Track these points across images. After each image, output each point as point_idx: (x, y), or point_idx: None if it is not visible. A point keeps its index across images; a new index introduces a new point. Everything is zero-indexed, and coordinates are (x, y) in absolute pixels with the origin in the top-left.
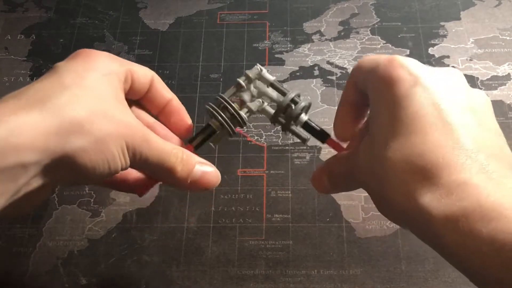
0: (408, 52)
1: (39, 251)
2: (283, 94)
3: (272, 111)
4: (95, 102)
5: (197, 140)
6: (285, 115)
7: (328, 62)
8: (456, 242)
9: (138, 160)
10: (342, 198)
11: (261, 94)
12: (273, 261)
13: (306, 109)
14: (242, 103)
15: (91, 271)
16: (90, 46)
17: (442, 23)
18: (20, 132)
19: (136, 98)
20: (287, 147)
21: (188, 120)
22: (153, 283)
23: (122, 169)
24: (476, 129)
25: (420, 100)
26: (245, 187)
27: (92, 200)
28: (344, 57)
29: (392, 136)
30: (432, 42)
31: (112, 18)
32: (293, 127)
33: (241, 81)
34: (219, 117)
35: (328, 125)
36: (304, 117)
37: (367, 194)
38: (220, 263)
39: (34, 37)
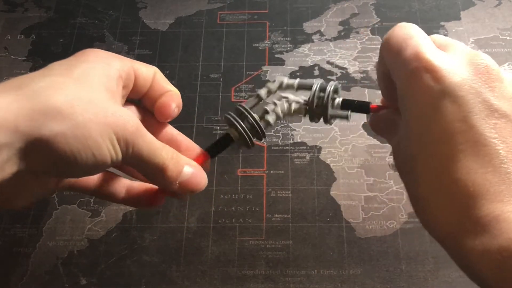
0: None
1: (39, 251)
2: (309, 87)
3: (302, 107)
4: (79, 89)
5: (213, 149)
6: (321, 107)
7: (328, 62)
8: (493, 277)
9: (131, 154)
10: (342, 198)
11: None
12: (273, 261)
13: (337, 90)
14: (264, 114)
15: (91, 271)
16: (90, 46)
17: (442, 23)
18: None
19: (139, 96)
20: (287, 147)
21: (174, 101)
22: (153, 283)
23: (113, 162)
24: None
25: (448, 116)
26: (245, 187)
27: (92, 200)
28: (344, 57)
29: (424, 148)
30: None
31: (112, 18)
32: (332, 113)
33: (262, 93)
34: (239, 127)
35: (327, 125)
36: (339, 99)
37: (367, 194)
38: (220, 263)
39: (34, 37)
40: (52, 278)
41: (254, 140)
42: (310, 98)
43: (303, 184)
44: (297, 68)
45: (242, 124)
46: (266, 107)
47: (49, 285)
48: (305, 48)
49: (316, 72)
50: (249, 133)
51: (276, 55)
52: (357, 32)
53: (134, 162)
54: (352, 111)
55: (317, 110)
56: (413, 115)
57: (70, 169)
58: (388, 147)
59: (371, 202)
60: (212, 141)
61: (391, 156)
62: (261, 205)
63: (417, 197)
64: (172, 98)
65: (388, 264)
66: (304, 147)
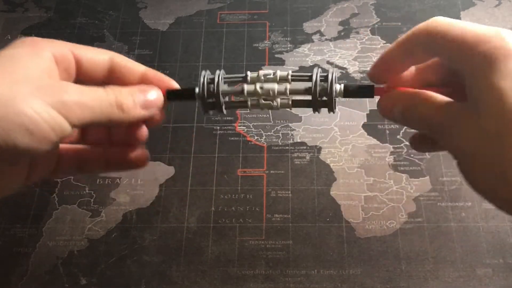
0: None
1: (39, 251)
2: (306, 78)
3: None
4: None
5: (173, 92)
6: (326, 96)
7: (328, 62)
8: None
9: (77, 114)
10: (342, 198)
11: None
12: (273, 261)
13: (336, 78)
14: (240, 94)
15: (91, 271)
16: (90, 46)
17: None
18: None
19: (98, 81)
20: (287, 147)
21: (168, 80)
22: (153, 283)
23: (58, 130)
24: None
25: None
26: (245, 187)
27: (92, 200)
28: (344, 57)
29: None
30: None
31: (112, 18)
32: (335, 100)
33: (249, 74)
34: (199, 89)
35: (328, 125)
36: (340, 86)
37: (367, 194)
38: (220, 263)
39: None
40: (52, 278)
41: (213, 111)
42: (313, 89)
43: (303, 184)
44: (297, 68)
45: (204, 88)
46: (244, 87)
47: (49, 285)
48: (305, 48)
49: None
50: (206, 100)
51: (276, 55)
52: (357, 32)
53: (86, 119)
54: (356, 97)
55: (321, 99)
56: (497, 109)
57: (12, 153)
58: (388, 147)
59: (371, 202)
60: (212, 141)
61: (391, 156)
62: (261, 205)
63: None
64: (164, 77)
65: (388, 264)
66: (304, 147)
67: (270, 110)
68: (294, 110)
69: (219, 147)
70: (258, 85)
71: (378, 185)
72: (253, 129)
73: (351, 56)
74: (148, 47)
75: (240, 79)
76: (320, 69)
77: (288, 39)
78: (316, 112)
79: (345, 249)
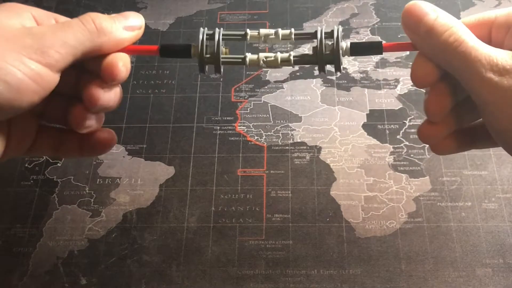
0: (408, 52)
1: (39, 251)
2: (309, 36)
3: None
4: None
5: (167, 47)
6: (332, 52)
7: None
8: None
9: (58, 57)
10: (342, 198)
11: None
12: (273, 261)
13: (342, 35)
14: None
15: (91, 271)
16: None
17: None
18: None
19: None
20: (287, 147)
21: (121, 60)
22: (153, 283)
23: (47, 79)
24: None
25: None
26: (245, 187)
27: (92, 200)
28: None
29: None
30: None
31: None
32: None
33: (249, 32)
34: (200, 48)
35: (328, 125)
36: (346, 44)
37: (367, 194)
38: (220, 263)
39: None
40: (52, 278)
41: (209, 69)
42: (318, 45)
43: (303, 184)
44: (297, 68)
45: (204, 49)
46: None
47: (49, 285)
48: (305, 48)
49: (316, 72)
50: (205, 60)
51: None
52: (357, 32)
53: (69, 58)
54: (364, 54)
55: (327, 57)
56: None
57: None
58: (388, 147)
59: (371, 202)
60: (212, 141)
61: (391, 156)
62: (261, 205)
63: None
64: (119, 57)
65: (388, 264)
66: (304, 147)
67: (270, 110)
68: (294, 110)
69: (219, 147)
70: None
71: (378, 185)
72: (253, 129)
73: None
74: None
75: (239, 37)
76: (324, 27)
77: None
78: (322, 72)
79: (345, 249)
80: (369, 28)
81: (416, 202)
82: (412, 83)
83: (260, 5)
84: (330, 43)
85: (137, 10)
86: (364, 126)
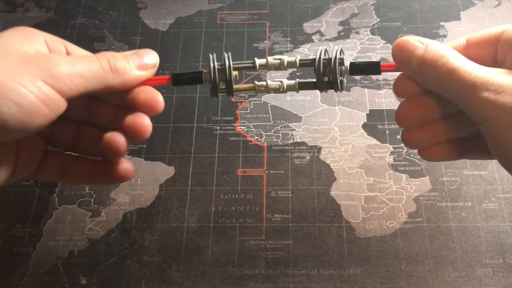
0: None
1: (39, 251)
2: (312, 61)
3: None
4: None
5: (178, 76)
6: (331, 73)
7: None
8: None
9: (71, 85)
10: (342, 198)
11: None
12: (273, 261)
13: (342, 52)
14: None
15: (91, 271)
16: (90, 46)
17: (442, 23)
18: None
19: None
20: (287, 147)
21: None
22: (153, 283)
23: (57, 104)
24: None
25: None
26: (245, 187)
27: (92, 200)
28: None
29: None
30: None
31: (112, 18)
32: (341, 79)
33: (257, 62)
34: (213, 74)
35: (328, 125)
36: (346, 65)
37: (367, 194)
38: (220, 263)
39: None
40: (52, 278)
41: (221, 94)
42: (316, 65)
43: (303, 184)
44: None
45: (216, 74)
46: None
47: (49, 285)
48: (305, 48)
49: None
50: (218, 85)
51: (276, 55)
52: (357, 32)
53: (79, 88)
54: (363, 74)
55: (325, 76)
56: None
57: (2, 127)
58: (388, 147)
59: (371, 202)
60: (212, 141)
61: (391, 156)
62: (261, 205)
63: None
64: (156, 92)
65: (388, 264)
66: (304, 147)
67: (270, 110)
68: (294, 110)
69: (219, 147)
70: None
71: (378, 185)
72: (253, 129)
73: (351, 56)
74: (148, 47)
75: (249, 64)
76: (324, 49)
77: (288, 39)
78: (324, 92)
79: (345, 249)
80: (369, 28)
81: (416, 202)
82: None
83: (260, 5)
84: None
85: (137, 10)
86: (364, 126)
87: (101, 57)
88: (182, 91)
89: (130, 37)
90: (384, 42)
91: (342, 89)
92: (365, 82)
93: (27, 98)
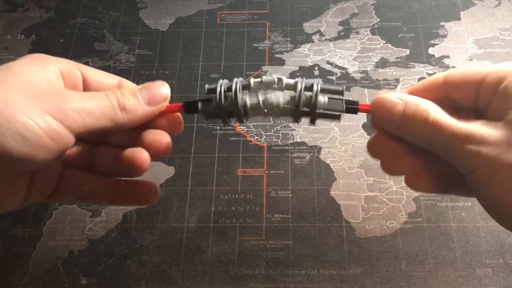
0: (408, 52)
1: (39, 251)
2: (293, 87)
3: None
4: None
5: (190, 104)
6: (310, 107)
7: (328, 62)
8: None
9: (79, 121)
10: (342, 198)
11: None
12: (273, 261)
13: (322, 89)
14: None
15: (91, 271)
16: (90, 46)
17: (442, 23)
18: None
19: None
20: (287, 147)
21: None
22: (153, 283)
23: (64, 140)
24: None
25: None
26: (245, 187)
27: None
28: (344, 57)
29: None
30: (432, 42)
31: (112, 18)
32: (319, 112)
33: (252, 82)
34: (222, 102)
35: (328, 125)
36: (325, 99)
37: (367, 194)
38: (220, 263)
39: (34, 37)
40: (52, 278)
41: (232, 121)
42: (297, 98)
43: (303, 184)
44: (297, 68)
45: (223, 102)
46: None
47: (49, 285)
48: (305, 48)
49: (316, 72)
50: (226, 113)
51: (276, 55)
52: (357, 32)
53: (88, 125)
54: (337, 111)
55: (303, 110)
56: None
57: (6, 160)
58: None
59: (371, 202)
60: (212, 141)
61: None
62: (261, 205)
63: None
64: (178, 117)
65: (388, 264)
66: (304, 147)
67: None
68: None
69: (219, 147)
70: (260, 98)
71: (378, 185)
72: (253, 129)
73: (351, 56)
74: (148, 47)
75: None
76: (305, 80)
77: (288, 39)
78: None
79: (345, 249)
80: (369, 28)
81: (416, 202)
82: (412, 83)
83: (260, 5)
84: (308, 95)
85: (137, 10)
86: (364, 126)
87: (111, 94)
88: (182, 91)
89: (130, 37)
90: (384, 42)
91: (315, 124)
92: (365, 82)
93: (34, 132)
